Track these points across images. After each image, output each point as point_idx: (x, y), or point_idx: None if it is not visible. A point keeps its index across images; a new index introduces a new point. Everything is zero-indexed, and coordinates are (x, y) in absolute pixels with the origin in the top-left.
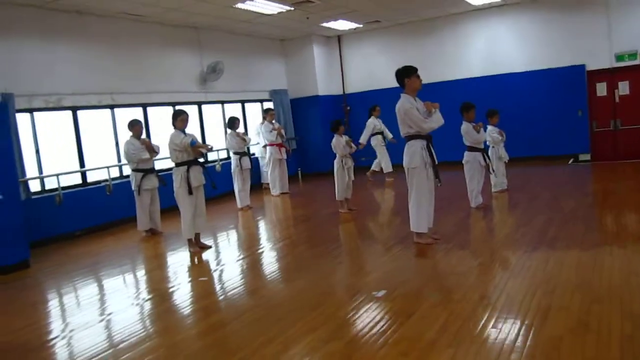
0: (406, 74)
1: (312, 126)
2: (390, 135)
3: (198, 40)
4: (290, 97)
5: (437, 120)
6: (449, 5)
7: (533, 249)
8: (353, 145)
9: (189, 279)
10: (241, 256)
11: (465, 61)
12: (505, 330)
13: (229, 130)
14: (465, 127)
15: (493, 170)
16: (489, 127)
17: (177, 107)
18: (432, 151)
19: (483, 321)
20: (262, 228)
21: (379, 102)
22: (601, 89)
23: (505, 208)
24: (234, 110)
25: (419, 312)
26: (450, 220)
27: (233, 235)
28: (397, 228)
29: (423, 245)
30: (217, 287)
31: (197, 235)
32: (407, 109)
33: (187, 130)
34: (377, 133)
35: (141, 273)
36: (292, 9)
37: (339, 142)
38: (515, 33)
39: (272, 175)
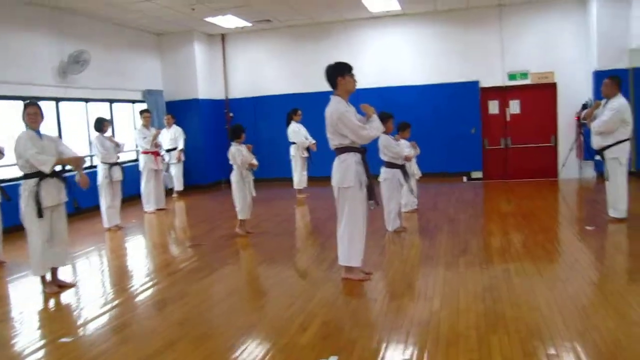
0: (340, 72)
1: (191, 133)
2: (313, 141)
3: (58, 23)
4: (166, 100)
5: (377, 127)
6: (346, 9)
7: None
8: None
9: (42, 340)
10: (116, 299)
11: (359, 70)
12: None
13: (96, 134)
14: (385, 140)
15: (412, 190)
16: (402, 141)
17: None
18: (367, 167)
19: None
20: (141, 256)
21: (265, 109)
22: (493, 107)
23: (427, 231)
24: (100, 110)
25: None
26: (370, 249)
27: (99, 266)
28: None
29: (354, 282)
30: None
31: (54, 271)
32: (342, 112)
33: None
34: (294, 142)
35: None
36: None
37: (239, 152)
38: (412, 45)
39: (147, 188)
